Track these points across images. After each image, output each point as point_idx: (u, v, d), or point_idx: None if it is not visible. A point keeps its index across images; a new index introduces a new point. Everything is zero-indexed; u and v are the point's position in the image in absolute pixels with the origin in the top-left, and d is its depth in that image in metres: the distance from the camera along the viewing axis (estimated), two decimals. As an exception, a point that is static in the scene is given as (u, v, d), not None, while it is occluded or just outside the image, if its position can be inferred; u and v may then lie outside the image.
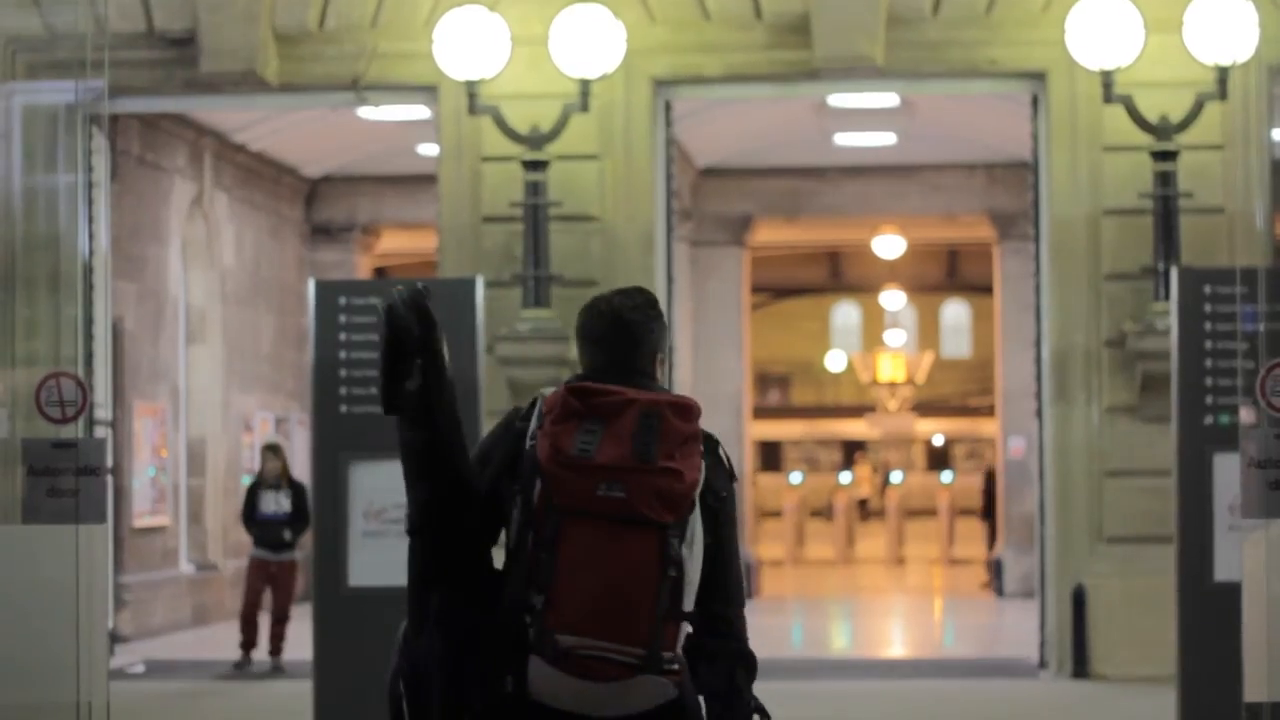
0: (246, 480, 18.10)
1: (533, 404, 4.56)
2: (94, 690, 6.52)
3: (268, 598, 16.19)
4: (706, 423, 4.52)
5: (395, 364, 4.42)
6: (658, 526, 4.36)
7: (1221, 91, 14.12)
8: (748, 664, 4.59)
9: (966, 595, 24.17)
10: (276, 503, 16.04)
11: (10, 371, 14.70)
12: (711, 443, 4.55)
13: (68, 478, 6.91)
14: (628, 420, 4.41)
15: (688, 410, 4.47)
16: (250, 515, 16.20)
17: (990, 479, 25.80)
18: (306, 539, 14.41)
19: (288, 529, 16.02)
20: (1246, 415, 9.68)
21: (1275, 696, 6.58)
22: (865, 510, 42.13)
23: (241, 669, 15.80)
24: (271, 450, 16.48)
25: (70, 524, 6.63)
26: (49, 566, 6.79)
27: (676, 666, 4.42)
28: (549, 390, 4.54)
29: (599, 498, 4.35)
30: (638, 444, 4.39)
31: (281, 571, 16.15)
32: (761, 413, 35.13)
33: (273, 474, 16.16)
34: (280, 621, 16.08)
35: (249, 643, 15.98)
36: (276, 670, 15.78)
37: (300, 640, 16.95)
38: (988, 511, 25.89)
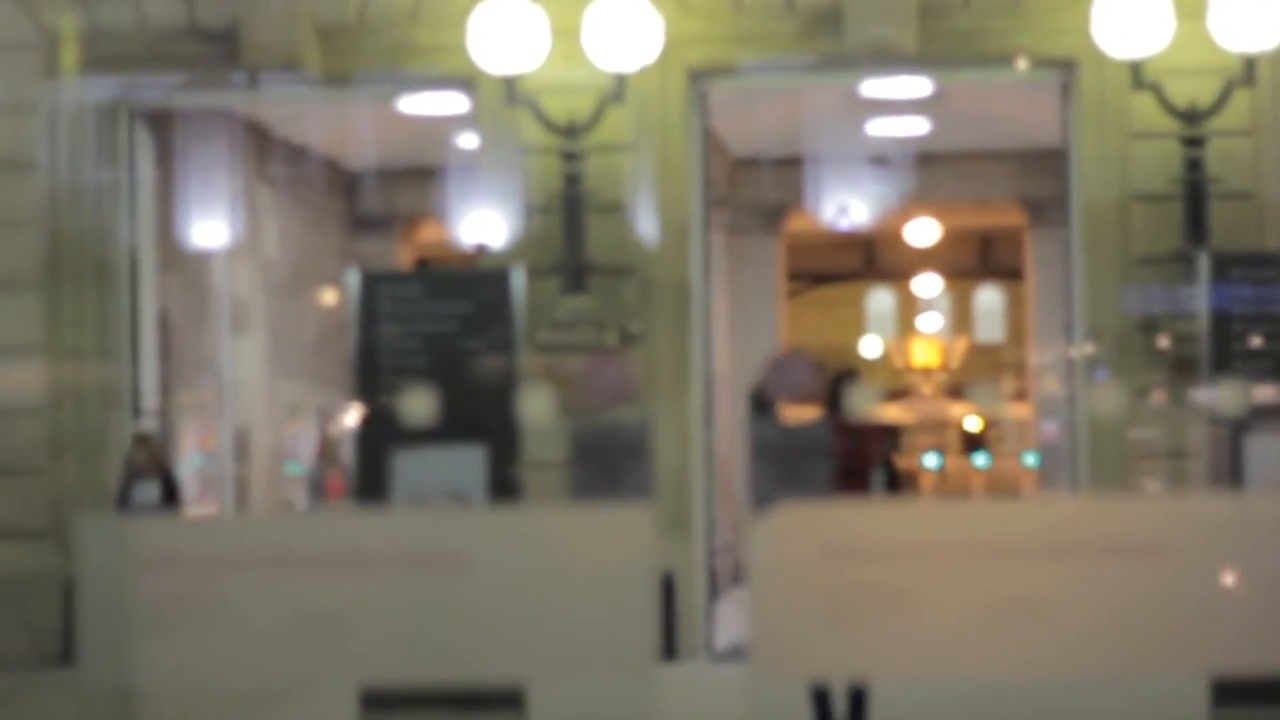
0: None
1: None
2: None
3: None
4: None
5: (757, 406, 11.00)
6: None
7: (1250, 77, 14.26)
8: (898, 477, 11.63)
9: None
10: (147, 492, 15.53)
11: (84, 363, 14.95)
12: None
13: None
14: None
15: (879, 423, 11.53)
16: (123, 507, 15.52)
17: None
18: None
19: None
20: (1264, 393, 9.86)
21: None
22: (903, 493, 42.06)
23: None
24: (140, 439, 15.89)
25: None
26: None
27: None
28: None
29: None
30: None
31: None
32: (798, 398, 35.14)
33: (142, 464, 15.65)
34: None
35: None
36: None
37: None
38: None
